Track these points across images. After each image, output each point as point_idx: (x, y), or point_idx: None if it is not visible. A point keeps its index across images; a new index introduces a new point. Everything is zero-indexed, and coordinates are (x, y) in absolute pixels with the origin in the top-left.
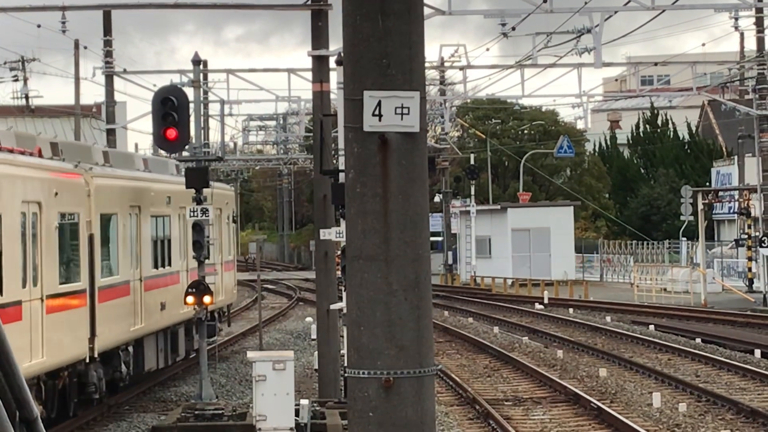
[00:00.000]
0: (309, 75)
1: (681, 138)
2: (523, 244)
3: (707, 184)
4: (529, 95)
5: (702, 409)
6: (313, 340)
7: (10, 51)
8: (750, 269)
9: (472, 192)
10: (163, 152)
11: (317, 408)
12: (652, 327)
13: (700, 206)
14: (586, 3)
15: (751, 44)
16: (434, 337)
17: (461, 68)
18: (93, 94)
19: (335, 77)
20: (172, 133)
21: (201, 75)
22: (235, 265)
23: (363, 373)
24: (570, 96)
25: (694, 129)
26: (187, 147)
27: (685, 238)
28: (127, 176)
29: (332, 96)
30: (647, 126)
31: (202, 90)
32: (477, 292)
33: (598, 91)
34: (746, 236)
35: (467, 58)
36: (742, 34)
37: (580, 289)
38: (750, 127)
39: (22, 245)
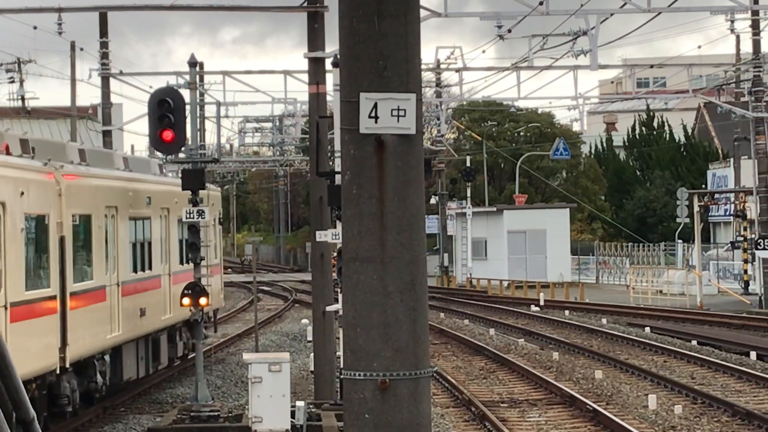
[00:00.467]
0: (305, 77)
1: (677, 140)
2: (519, 246)
3: (703, 186)
4: (525, 97)
5: (698, 411)
6: (309, 341)
7: (6, 53)
8: (746, 271)
9: (468, 194)
10: (159, 154)
11: (313, 410)
12: (648, 329)
13: (696, 208)
14: (582, 5)
15: (747, 47)
16: (430, 339)
17: (457, 70)
18: (89, 95)
19: (331, 79)
20: (168, 134)
21: (197, 77)
22: (222, 268)
23: (359, 375)
24: (566, 98)
25: (690, 131)
26: (183, 149)
27: (681, 241)
28: (103, 175)
29: (328, 98)
30: (643, 128)
31: (198, 92)
32: (473, 294)
33: (594, 94)
34: (742, 238)
35: (463, 60)
36: (738, 37)
37: (576, 291)
38: (746, 130)
39: None
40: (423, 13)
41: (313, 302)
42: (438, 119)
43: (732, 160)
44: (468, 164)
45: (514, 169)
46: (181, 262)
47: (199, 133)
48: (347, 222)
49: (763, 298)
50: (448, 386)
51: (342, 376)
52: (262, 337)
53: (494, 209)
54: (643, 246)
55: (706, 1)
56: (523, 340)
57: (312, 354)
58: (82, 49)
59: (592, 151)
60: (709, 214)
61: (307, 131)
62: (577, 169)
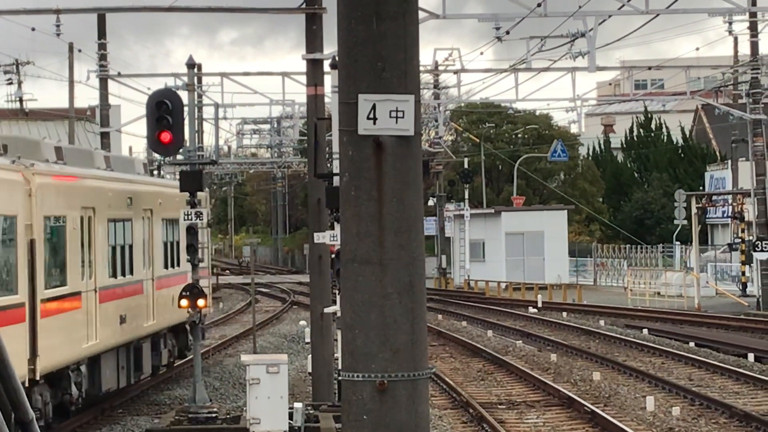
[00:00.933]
0: (303, 78)
1: (675, 142)
2: (517, 248)
3: (701, 188)
4: (523, 99)
5: (695, 413)
6: (307, 343)
7: (5, 54)
8: (743, 273)
9: (466, 196)
10: (157, 155)
11: (311, 411)
12: (645, 331)
13: (694, 210)
14: (580, 7)
15: (745, 48)
16: (428, 341)
17: (455, 72)
18: (87, 97)
19: (329, 81)
20: (166, 136)
21: (195, 78)
22: (210, 272)
23: (357, 376)
24: (564, 100)
25: (687, 133)
26: (181, 150)
27: (678, 242)
28: (80, 174)
29: (326, 99)
30: (641, 130)
31: (196, 93)
32: (471, 296)
33: (592, 95)
34: (740, 240)
35: (461, 61)
36: (735, 39)
37: (574, 292)
38: (744, 132)
39: None
40: (421, 14)
41: (311, 304)
42: (436, 121)
43: (730, 162)
44: (466, 166)
45: (512, 170)
46: (166, 266)
47: (197, 134)
48: (345, 223)
49: (760, 299)
50: (446, 388)
51: (340, 378)
52: (260, 338)
53: (492, 211)
54: (641, 248)
55: (704, 2)
56: (521, 341)
57: (310, 355)
58: (80, 51)
59: (590, 153)
60: (707, 216)
61: (305, 133)
62: (574, 170)
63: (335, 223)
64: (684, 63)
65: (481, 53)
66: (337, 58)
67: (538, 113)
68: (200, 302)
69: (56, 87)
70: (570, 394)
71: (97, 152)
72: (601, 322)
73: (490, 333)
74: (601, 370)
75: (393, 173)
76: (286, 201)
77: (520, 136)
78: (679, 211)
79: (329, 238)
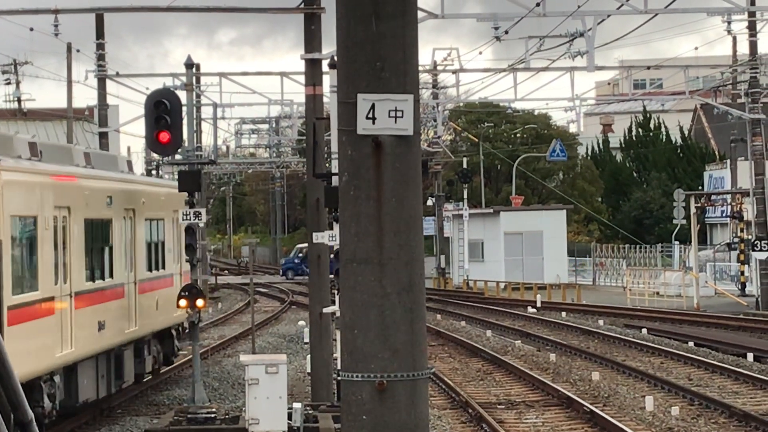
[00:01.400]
0: (302, 78)
1: (673, 142)
2: (516, 248)
3: (700, 187)
4: (522, 99)
5: (695, 413)
6: (306, 343)
7: (3, 54)
8: (742, 273)
9: (465, 195)
10: (156, 155)
11: (310, 411)
12: (644, 330)
13: (693, 210)
14: (579, 6)
15: (743, 48)
16: (427, 341)
17: (454, 72)
18: (86, 97)
19: (328, 80)
20: (164, 136)
21: (194, 78)
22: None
23: (356, 377)
24: (563, 99)
25: (686, 133)
26: (179, 150)
27: (677, 242)
28: (53, 171)
29: (325, 99)
30: (640, 129)
31: (194, 93)
32: (470, 296)
33: (590, 95)
34: (738, 239)
35: (460, 61)
36: (734, 38)
37: (573, 292)
38: (742, 131)
39: None
40: (420, 14)
41: (310, 304)
42: (435, 121)
43: (728, 161)
44: (465, 166)
45: (511, 170)
46: (150, 269)
47: (195, 134)
48: (344, 223)
49: (759, 299)
50: (446, 388)
51: (339, 378)
52: (258, 338)
53: (491, 211)
54: (640, 247)
55: (702, 2)
56: (520, 341)
57: (309, 356)
58: (78, 51)
59: (589, 152)
60: (706, 215)
61: (303, 133)
62: (573, 170)
63: (334, 223)
64: (683, 62)
65: (480, 53)
66: (335, 58)
67: (536, 113)
68: (199, 302)
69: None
70: (569, 393)
71: (76, 149)
72: (600, 322)
73: (489, 333)
74: (600, 370)
75: (392, 173)
76: (285, 201)
77: (518, 135)
78: (678, 211)
79: (328, 238)
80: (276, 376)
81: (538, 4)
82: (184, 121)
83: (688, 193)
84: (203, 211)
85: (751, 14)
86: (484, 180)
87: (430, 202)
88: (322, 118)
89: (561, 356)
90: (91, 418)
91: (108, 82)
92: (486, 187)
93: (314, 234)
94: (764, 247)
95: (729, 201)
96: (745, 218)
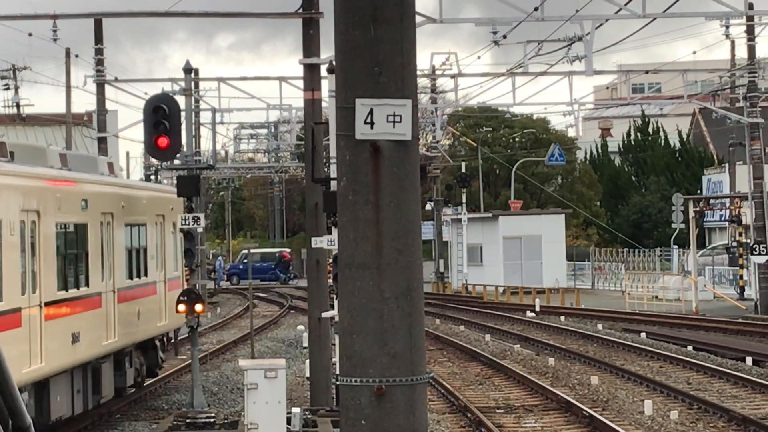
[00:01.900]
0: (300, 83)
1: (672, 146)
2: (515, 252)
3: (698, 191)
4: (521, 103)
5: (694, 417)
6: (305, 348)
7: (2, 59)
8: (741, 277)
9: (464, 200)
10: (154, 160)
11: (309, 416)
12: (643, 335)
13: (692, 214)
14: (577, 11)
15: (742, 52)
16: (426, 345)
17: (452, 76)
18: (84, 102)
19: (327, 85)
20: (163, 141)
21: (192, 83)
22: (184, 282)
23: (355, 381)
24: (561, 104)
25: (685, 137)
26: (178, 155)
27: (676, 246)
28: (20, 173)
29: (324, 104)
30: (638, 134)
31: (193, 98)
32: (468, 300)
33: (589, 99)
34: (736, 244)
35: (458, 66)
36: (733, 42)
37: (572, 296)
38: (741, 135)
39: None
40: (418, 18)
41: (309, 308)
42: (433, 125)
43: (727, 165)
44: (463, 170)
45: (510, 175)
46: (131, 276)
47: (194, 139)
48: (343, 228)
49: (758, 303)
50: (444, 392)
51: (338, 383)
52: (257, 343)
53: (490, 215)
54: (639, 251)
55: (701, 6)
56: (518, 346)
57: (308, 360)
58: (77, 56)
59: (588, 156)
60: (705, 219)
61: (302, 137)
62: (572, 174)
63: (333, 228)
64: (681, 67)
65: (478, 57)
66: (334, 63)
67: (535, 117)
68: (198, 307)
69: (53, 92)
70: (568, 398)
71: (51, 149)
72: (599, 326)
73: (488, 337)
74: (599, 374)
75: (390, 177)
76: (284, 205)
77: (517, 140)
78: (677, 215)
79: (327, 242)
80: (275, 381)
81: (536, 9)
82: (183, 126)
83: (687, 197)
84: (202, 215)
85: (750, 18)
86: (483, 184)
87: (428, 207)
88: (320, 123)
89: (560, 360)
90: (91, 423)
91: (107, 87)
92: (485, 191)
93: (313, 238)
94: (763, 250)
95: (727, 205)
96: (743, 222)
